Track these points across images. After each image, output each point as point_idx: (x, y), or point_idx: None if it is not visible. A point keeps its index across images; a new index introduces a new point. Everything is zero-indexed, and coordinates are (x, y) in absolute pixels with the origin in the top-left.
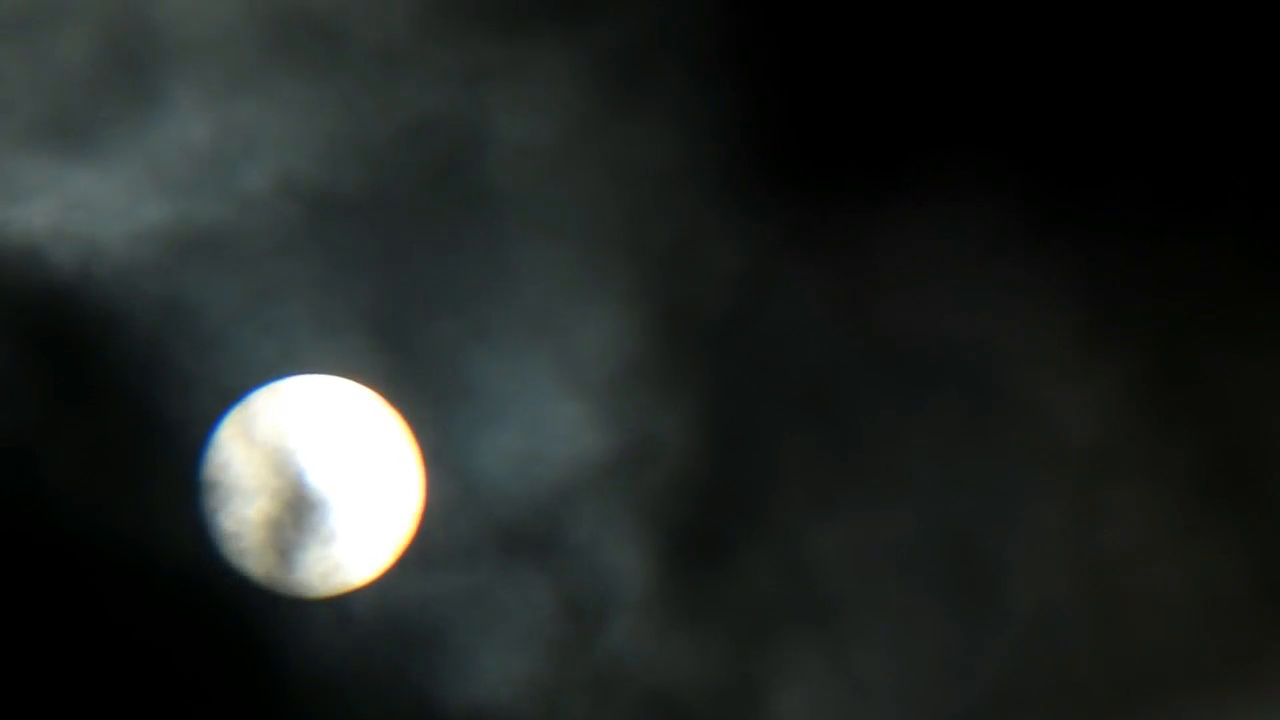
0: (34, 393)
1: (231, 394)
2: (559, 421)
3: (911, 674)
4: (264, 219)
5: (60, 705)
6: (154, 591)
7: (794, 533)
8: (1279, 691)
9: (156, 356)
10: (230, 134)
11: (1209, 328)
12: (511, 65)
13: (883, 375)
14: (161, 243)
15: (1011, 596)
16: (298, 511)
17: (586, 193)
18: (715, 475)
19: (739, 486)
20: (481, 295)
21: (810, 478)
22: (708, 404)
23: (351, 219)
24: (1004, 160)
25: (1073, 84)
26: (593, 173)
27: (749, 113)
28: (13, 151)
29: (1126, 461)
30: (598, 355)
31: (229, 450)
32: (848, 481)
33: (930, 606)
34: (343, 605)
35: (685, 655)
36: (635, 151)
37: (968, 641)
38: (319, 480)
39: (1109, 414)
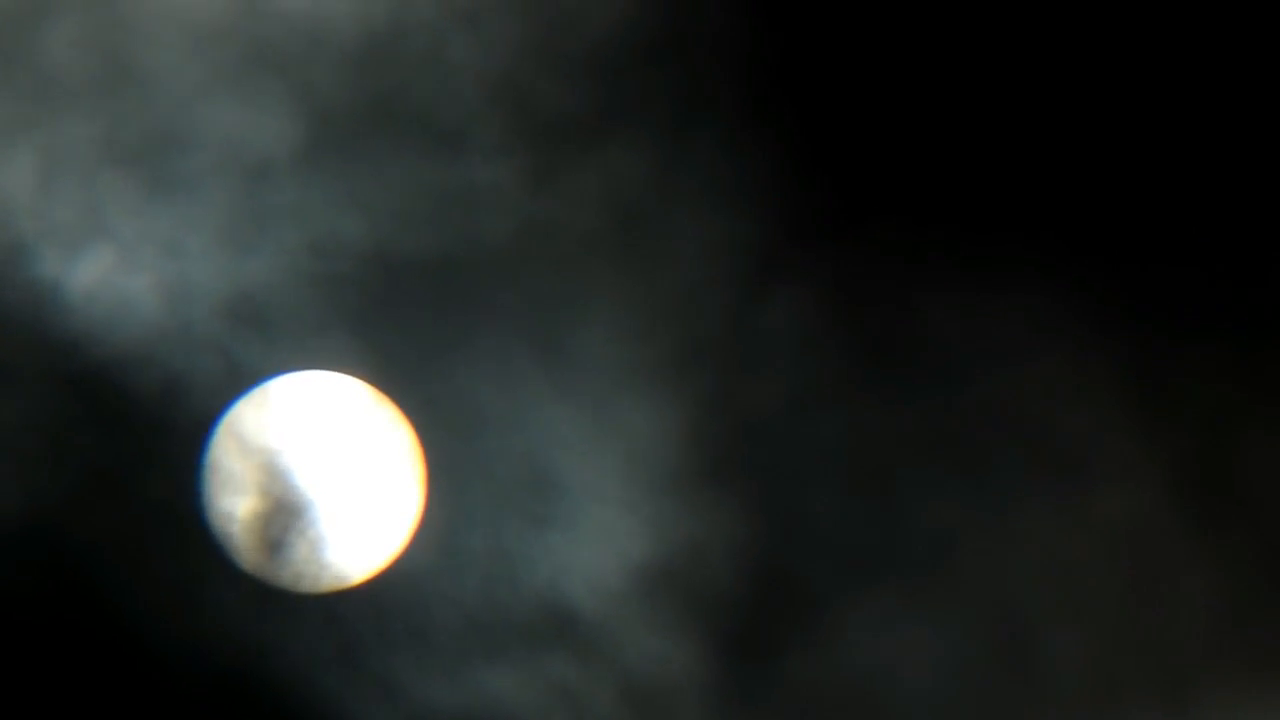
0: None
1: (232, 392)
2: (604, 516)
3: None
4: (304, 288)
5: (57, 700)
6: (150, 589)
7: (848, 631)
8: None
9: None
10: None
11: (1257, 416)
12: (557, 148)
13: (938, 465)
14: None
15: (1073, 694)
16: (287, 509)
17: (628, 275)
18: (766, 571)
19: (791, 582)
20: (530, 386)
21: (865, 572)
22: (757, 497)
23: (395, 288)
24: (1057, 245)
25: (1127, 170)
26: (634, 256)
27: (798, 201)
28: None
29: (1184, 546)
30: (643, 447)
31: (223, 448)
32: (903, 576)
33: (988, 702)
34: (334, 604)
35: None
36: (678, 239)
37: None
38: (311, 478)
39: (1163, 502)
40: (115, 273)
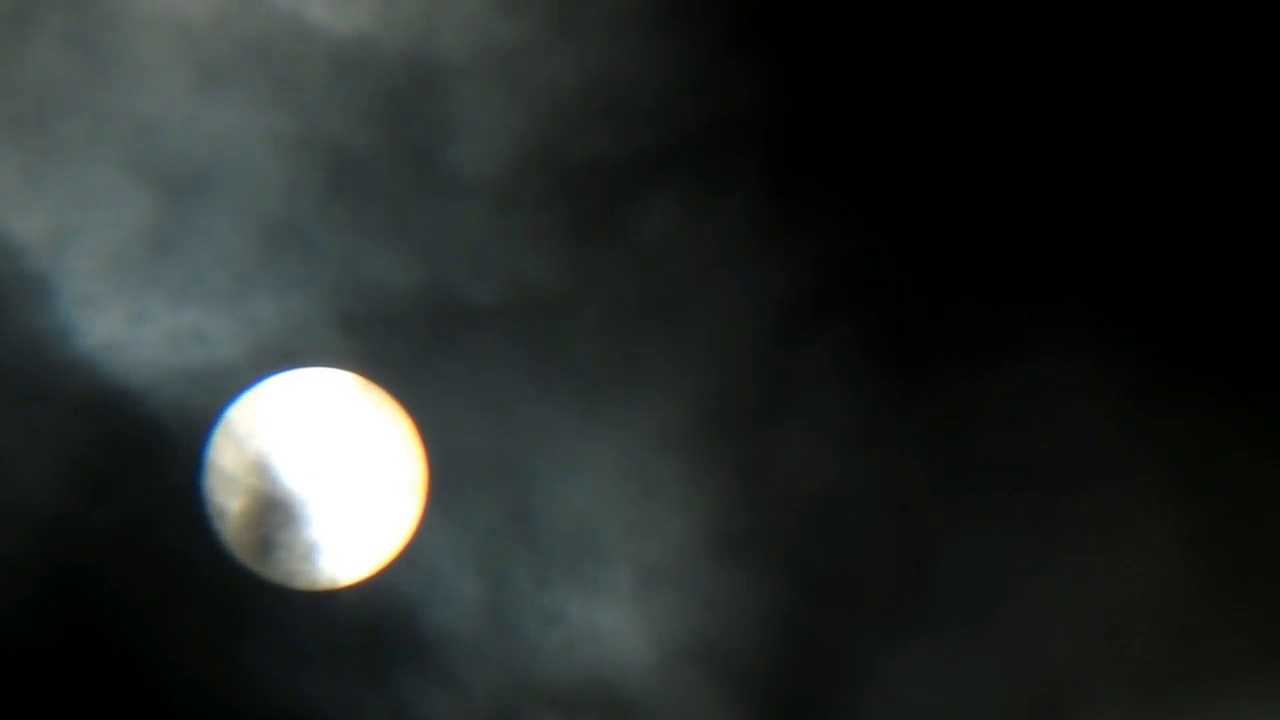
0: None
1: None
2: (640, 581)
3: None
4: (317, 338)
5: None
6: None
7: (886, 692)
8: None
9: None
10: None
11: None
12: (590, 202)
13: (973, 524)
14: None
15: None
16: (282, 507)
17: (660, 331)
18: (802, 635)
19: (827, 646)
20: (565, 447)
21: (901, 633)
22: (792, 561)
23: (423, 336)
24: (1093, 303)
25: (1167, 233)
26: (666, 311)
27: (843, 270)
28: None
29: (1214, 603)
30: (679, 510)
31: (222, 445)
32: (939, 636)
33: None
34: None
35: None
36: (711, 293)
37: None
38: (306, 477)
39: (1193, 560)
40: (128, 311)
